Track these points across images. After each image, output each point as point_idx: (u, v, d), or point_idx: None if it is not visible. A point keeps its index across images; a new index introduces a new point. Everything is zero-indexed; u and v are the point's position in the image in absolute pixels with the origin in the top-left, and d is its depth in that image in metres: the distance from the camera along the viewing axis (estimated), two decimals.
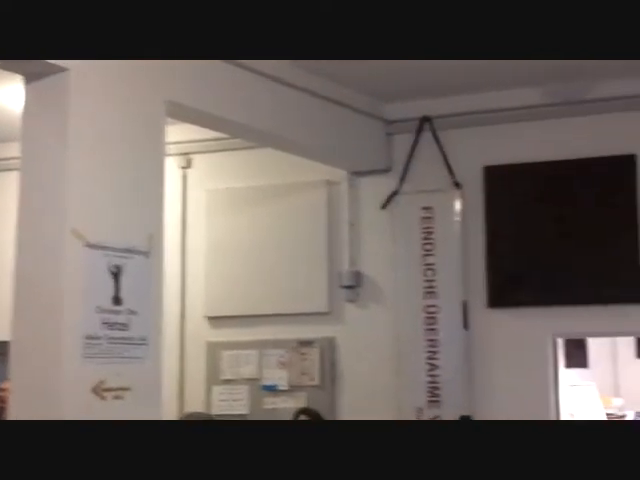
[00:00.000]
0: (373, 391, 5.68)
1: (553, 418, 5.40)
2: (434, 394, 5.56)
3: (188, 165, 6.28)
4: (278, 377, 5.86)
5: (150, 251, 3.92)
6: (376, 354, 5.71)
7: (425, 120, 5.70)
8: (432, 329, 5.61)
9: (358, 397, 5.73)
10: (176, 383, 6.02)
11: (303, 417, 5.45)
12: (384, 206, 5.77)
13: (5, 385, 4.54)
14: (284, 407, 5.74)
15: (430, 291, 5.64)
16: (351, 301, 5.84)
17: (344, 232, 5.89)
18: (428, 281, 5.65)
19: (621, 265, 5.34)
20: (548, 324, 5.47)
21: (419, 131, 5.71)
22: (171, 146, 5.48)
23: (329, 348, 5.83)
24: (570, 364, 7.52)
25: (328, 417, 5.63)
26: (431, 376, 5.58)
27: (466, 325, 5.56)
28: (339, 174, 5.91)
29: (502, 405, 5.43)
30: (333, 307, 5.87)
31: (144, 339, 3.82)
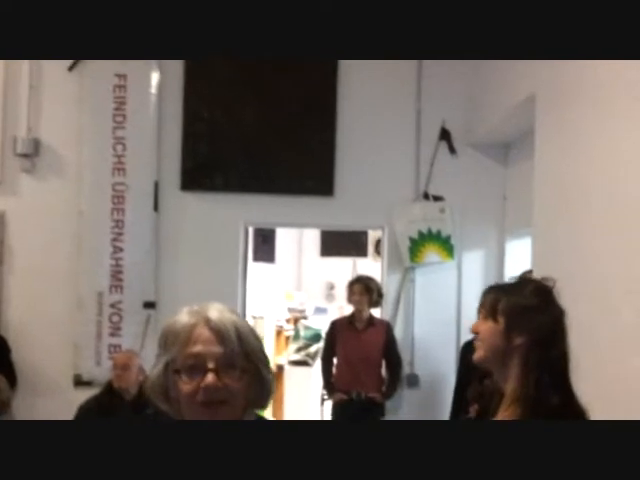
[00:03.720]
0: (49, 273, 5.15)
1: (239, 310, 5.31)
2: (118, 278, 5.19)
3: None
4: None
5: None
6: (54, 233, 5.16)
7: None
8: (119, 209, 5.18)
9: (31, 279, 5.15)
10: None
11: None
12: (71, 68, 5.14)
13: None
14: None
15: (119, 167, 5.18)
16: (27, 171, 5.18)
17: (23, 93, 5.16)
18: (117, 156, 5.18)
19: (315, 159, 5.31)
20: (240, 212, 5.32)
21: None
22: None
23: None
24: (257, 258, 7.55)
25: None
26: (115, 259, 5.18)
27: (156, 207, 5.23)
28: None
29: (187, 293, 5.21)
30: (5, 177, 5.17)
31: None
